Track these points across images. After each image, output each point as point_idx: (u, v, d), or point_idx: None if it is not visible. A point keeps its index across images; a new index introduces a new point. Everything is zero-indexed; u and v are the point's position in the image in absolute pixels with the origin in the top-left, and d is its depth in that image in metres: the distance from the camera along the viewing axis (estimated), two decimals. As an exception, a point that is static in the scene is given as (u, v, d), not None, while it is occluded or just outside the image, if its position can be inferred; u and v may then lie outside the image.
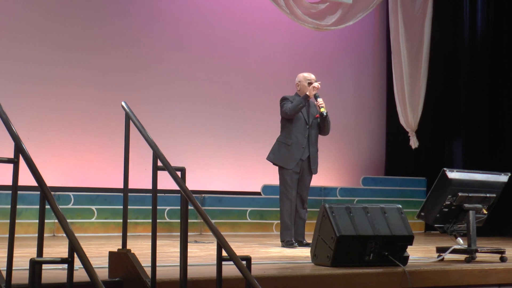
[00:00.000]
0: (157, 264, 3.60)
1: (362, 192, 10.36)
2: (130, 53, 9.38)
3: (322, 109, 6.79)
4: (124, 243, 3.83)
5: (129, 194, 3.97)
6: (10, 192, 3.33)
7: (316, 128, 6.96)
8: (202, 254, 5.66)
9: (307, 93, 6.79)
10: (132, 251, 3.78)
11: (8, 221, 3.32)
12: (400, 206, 4.94)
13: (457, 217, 5.24)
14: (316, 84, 6.77)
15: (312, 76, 6.96)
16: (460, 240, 5.24)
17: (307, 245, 6.65)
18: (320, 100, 6.80)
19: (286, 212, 6.77)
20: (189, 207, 3.49)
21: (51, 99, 8.87)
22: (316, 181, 9.60)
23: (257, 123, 10.01)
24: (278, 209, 6.91)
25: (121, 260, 3.74)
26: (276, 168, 6.94)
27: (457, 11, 10.71)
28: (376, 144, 11.22)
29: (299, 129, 6.85)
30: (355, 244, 4.60)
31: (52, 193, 3.02)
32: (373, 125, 11.24)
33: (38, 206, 3.23)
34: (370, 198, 10.21)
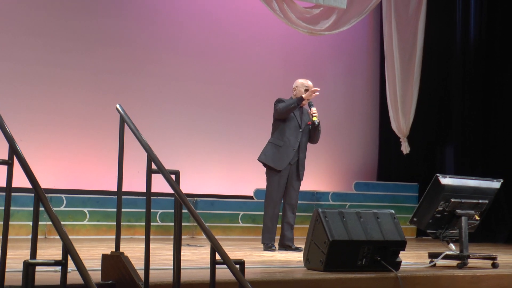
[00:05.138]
0: (150, 267, 3.59)
1: (355, 197, 10.36)
2: (125, 55, 9.37)
3: (314, 118, 6.81)
4: (117, 246, 3.82)
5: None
6: (2, 193, 3.32)
7: (307, 135, 6.97)
8: (195, 257, 5.66)
9: (303, 95, 6.79)
10: (125, 254, 3.77)
11: (1, 222, 3.30)
12: (393, 212, 4.95)
13: (450, 223, 5.25)
14: (316, 90, 6.76)
15: (309, 83, 6.97)
16: (452, 246, 5.26)
17: (296, 249, 6.66)
18: (313, 109, 6.83)
19: (268, 215, 6.84)
20: (183, 211, 3.49)
21: (45, 101, 8.85)
22: (308, 185, 9.62)
23: (251, 126, 10.00)
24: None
25: (114, 262, 3.73)
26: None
27: (450, 17, 10.75)
28: (369, 149, 11.24)
29: (292, 132, 6.86)
30: (347, 249, 4.60)
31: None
32: (366, 130, 11.26)
33: (30, 208, 3.23)
34: (362, 203, 10.21)
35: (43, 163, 8.51)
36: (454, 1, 10.73)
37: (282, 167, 6.82)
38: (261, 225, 9.43)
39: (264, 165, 6.94)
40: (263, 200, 9.32)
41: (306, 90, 6.90)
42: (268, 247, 6.74)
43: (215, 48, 10.00)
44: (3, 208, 3.31)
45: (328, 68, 10.94)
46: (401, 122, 10.61)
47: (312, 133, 6.96)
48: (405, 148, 10.65)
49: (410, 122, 10.62)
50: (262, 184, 9.15)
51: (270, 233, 6.80)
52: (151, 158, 3.59)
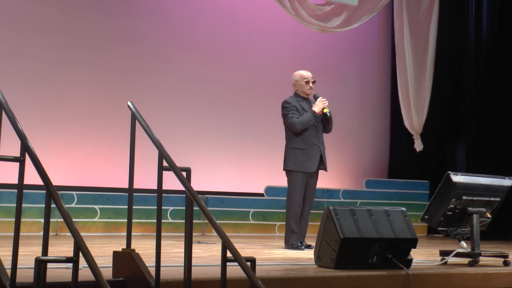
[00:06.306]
0: (161, 264, 3.59)
1: (365, 195, 10.35)
2: (136, 53, 9.38)
3: (325, 110, 6.76)
4: (128, 243, 3.83)
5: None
6: (13, 190, 3.33)
7: (321, 125, 6.90)
8: (206, 254, 5.66)
9: (315, 109, 6.73)
10: (136, 251, 3.78)
11: (12, 219, 3.32)
12: (404, 209, 4.93)
13: (461, 221, 5.23)
14: (325, 103, 6.72)
15: (309, 74, 6.89)
16: (463, 243, 5.24)
17: (307, 247, 6.63)
18: (320, 99, 6.76)
19: (292, 216, 6.68)
20: (194, 208, 3.49)
21: (56, 98, 8.88)
22: (319, 183, 9.57)
23: (261, 124, 10.00)
24: (281, 210, 6.89)
25: (125, 260, 3.73)
26: (281, 169, 6.90)
27: (462, 14, 10.70)
28: (380, 147, 11.21)
29: (311, 131, 6.77)
30: (358, 247, 4.60)
31: (56, 192, 3.01)
32: (377, 128, 11.23)
33: (41, 205, 3.24)
34: (373, 201, 10.19)
35: (54, 160, 8.53)
36: (467, -1, 10.70)
37: (314, 168, 6.76)
38: (272, 223, 9.53)
39: (294, 171, 6.76)
40: (274, 198, 9.39)
41: (307, 82, 6.84)
42: (295, 247, 6.59)
43: (225, 47, 10.00)
44: (15, 205, 3.32)
45: (339, 65, 10.92)
46: (414, 119, 10.58)
47: (326, 124, 6.89)
48: (418, 146, 10.62)
49: (423, 120, 10.59)
50: (273, 182, 9.19)
51: (295, 233, 6.66)
52: (163, 155, 3.59)
